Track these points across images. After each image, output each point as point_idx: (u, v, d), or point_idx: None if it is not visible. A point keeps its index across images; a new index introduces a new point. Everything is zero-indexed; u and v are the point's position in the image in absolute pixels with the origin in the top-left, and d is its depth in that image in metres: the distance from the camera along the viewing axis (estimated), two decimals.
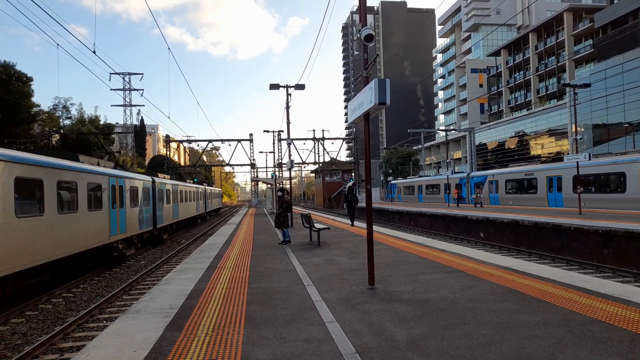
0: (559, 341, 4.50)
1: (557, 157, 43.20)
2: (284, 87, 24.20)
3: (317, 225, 13.97)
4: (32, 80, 32.42)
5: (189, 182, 39.15)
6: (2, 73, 30.40)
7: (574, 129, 25.17)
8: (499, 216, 20.51)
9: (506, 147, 59.65)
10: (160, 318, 5.75)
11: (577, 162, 20.47)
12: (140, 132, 65.72)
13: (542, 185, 28.25)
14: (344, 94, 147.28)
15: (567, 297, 6.19)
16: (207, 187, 46.39)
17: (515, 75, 67.66)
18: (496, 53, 71.96)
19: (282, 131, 46.48)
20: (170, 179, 28.51)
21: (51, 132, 35.07)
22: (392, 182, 58.34)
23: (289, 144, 26.90)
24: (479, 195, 31.09)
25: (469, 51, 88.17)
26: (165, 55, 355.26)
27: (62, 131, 37.60)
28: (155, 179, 22.61)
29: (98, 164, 15.75)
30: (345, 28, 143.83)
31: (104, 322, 9.00)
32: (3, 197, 9.30)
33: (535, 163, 33.73)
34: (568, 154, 41.94)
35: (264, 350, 4.51)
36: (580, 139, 38.16)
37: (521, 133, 57.51)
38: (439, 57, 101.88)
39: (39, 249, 10.58)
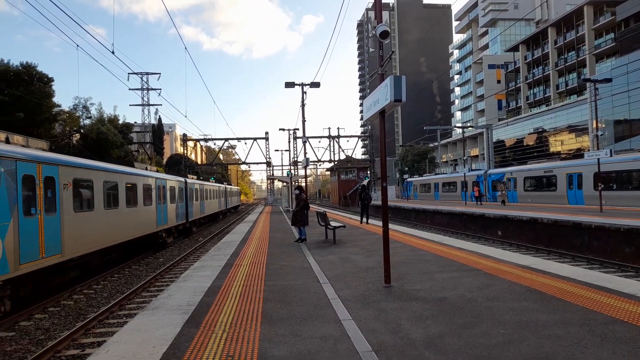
0: (579, 341, 4.43)
1: (578, 154, 42.37)
2: (299, 85, 24.31)
3: (333, 223, 13.97)
4: (53, 80, 32.99)
5: (212, 182, 40.47)
6: (24, 74, 31.01)
7: (594, 125, 24.60)
8: (517, 214, 20.21)
9: (525, 144, 58.70)
10: (178, 315, 5.83)
11: (598, 159, 20.05)
12: (158, 131, 66.53)
13: (562, 182, 27.73)
14: (359, 92, 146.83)
15: (587, 297, 6.08)
16: (227, 186, 47.57)
17: (534, 70, 66.50)
18: (514, 48, 70.83)
19: (298, 129, 46.61)
20: (197, 179, 31.31)
21: (72, 131, 35.70)
22: (408, 179, 57.93)
23: (304, 142, 26.98)
24: (503, 192, 30.55)
25: (486, 47, 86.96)
26: (181, 55, 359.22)
27: (82, 131, 38.23)
28: (187, 180, 25.74)
29: (146, 169, 19.05)
30: (360, 25, 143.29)
31: (124, 318, 9.17)
32: (97, 195, 12.73)
33: (554, 160, 33.12)
34: (589, 150, 41.10)
35: (280, 347, 4.54)
36: (601, 135, 37.32)
37: (540, 129, 56.53)
38: (456, 53, 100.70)
39: (116, 232, 14.13)
